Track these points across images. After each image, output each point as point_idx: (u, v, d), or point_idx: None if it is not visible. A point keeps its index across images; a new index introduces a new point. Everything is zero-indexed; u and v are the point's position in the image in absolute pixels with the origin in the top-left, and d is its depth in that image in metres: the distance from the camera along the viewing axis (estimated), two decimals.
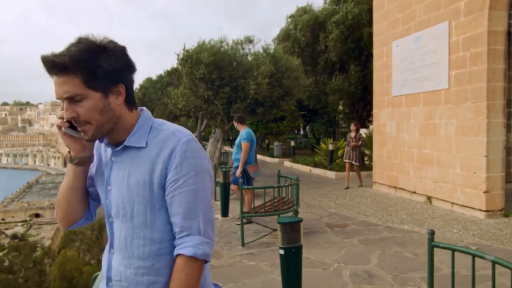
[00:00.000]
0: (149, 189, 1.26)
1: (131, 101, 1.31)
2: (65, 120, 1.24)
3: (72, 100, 1.19)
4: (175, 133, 1.29)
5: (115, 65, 1.22)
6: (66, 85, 1.18)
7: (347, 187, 10.25)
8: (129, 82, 1.30)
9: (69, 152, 1.33)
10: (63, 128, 1.28)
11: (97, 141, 1.38)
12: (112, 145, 1.34)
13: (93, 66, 1.19)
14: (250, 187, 6.34)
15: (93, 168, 1.40)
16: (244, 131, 6.95)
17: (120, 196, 1.30)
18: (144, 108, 1.38)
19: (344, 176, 10.68)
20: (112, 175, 1.32)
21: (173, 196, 1.25)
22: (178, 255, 1.24)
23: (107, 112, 1.24)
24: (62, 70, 1.17)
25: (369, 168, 11.63)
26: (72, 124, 1.26)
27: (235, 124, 7.22)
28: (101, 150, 1.39)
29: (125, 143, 1.29)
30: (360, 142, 10.21)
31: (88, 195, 1.42)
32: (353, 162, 10.22)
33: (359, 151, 10.32)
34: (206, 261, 1.27)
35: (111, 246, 1.35)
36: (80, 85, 1.18)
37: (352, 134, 10.21)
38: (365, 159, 13.27)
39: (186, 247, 1.23)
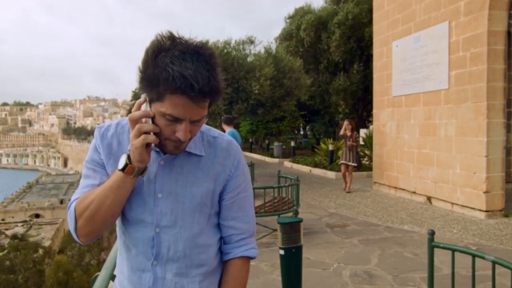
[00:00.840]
0: (211, 196, 1.27)
1: None
2: (182, 140, 1.14)
3: (196, 120, 1.15)
4: (232, 141, 1.35)
5: None
6: (205, 108, 1.14)
7: (348, 190, 9.78)
8: None
9: (129, 164, 1.15)
10: (153, 144, 1.17)
11: (103, 137, 1.27)
12: (159, 149, 1.24)
13: None
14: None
15: (109, 169, 1.25)
16: (227, 132, 6.99)
17: (178, 204, 1.23)
18: None
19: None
20: (161, 181, 1.23)
21: (234, 202, 1.31)
22: (241, 256, 1.32)
23: None
24: (209, 96, 1.11)
25: (369, 168, 11.62)
26: None
27: (223, 125, 7.26)
28: (114, 147, 1.26)
29: (186, 149, 1.24)
30: (356, 141, 9.63)
31: None
32: (349, 163, 9.59)
33: (356, 151, 9.79)
34: None
35: (155, 258, 1.24)
36: (207, 107, 1.16)
37: (348, 133, 9.49)
38: (365, 159, 13.27)
39: (250, 249, 1.33)
